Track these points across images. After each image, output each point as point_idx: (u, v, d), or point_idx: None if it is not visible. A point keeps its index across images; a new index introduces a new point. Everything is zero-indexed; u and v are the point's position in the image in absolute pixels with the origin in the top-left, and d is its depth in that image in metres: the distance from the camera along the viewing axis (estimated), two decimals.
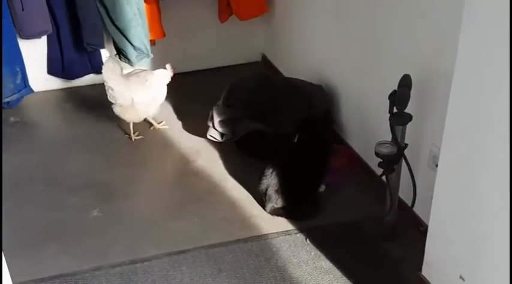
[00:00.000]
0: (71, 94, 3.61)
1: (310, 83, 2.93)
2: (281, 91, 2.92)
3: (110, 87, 2.88)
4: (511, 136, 1.36)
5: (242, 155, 2.82)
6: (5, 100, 3.34)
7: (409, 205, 2.13)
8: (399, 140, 1.97)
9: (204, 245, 2.23)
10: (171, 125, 3.16)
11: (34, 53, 3.48)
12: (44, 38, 3.47)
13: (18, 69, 3.31)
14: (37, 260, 2.19)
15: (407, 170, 2.03)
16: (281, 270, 2.11)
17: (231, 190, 2.58)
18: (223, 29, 3.70)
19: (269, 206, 2.40)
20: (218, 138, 2.83)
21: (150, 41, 3.43)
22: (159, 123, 3.11)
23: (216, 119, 2.80)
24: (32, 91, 3.43)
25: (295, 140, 2.45)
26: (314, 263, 2.14)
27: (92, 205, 2.50)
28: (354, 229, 2.30)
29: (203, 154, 2.88)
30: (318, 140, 2.47)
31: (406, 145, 2.02)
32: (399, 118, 1.94)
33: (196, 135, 3.01)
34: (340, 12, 2.72)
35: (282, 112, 2.84)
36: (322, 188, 2.52)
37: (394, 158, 1.99)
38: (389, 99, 1.92)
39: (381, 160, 2.02)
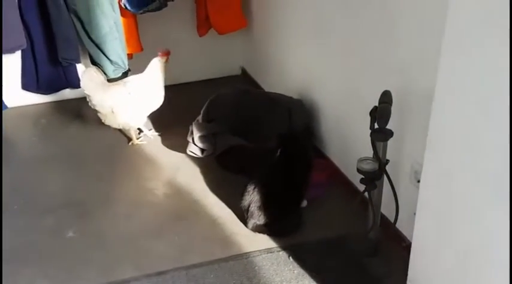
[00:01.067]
0: (46, 109, 3.54)
1: (290, 97, 2.91)
2: (261, 106, 2.89)
3: (87, 94, 2.94)
4: (498, 152, 1.35)
5: (223, 171, 2.78)
6: None
7: (392, 221, 2.10)
8: (380, 156, 1.95)
9: (184, 266, 2.18)
10: (149, 140, 3.10)
11: (7, 67, 3.40)
12: (18, 53, 3.39)
13: None
14: None
15: (389, 186, 2.01)
16: None
17: (212, 208, 2.53)
18: (202, 42, 3.67)
19: (251, 223, 2.36)
20: (198, 153, 2.79)
21: (128, 54, 3.39)
22: (149, 130, 3.15)
23: (196, 134, 2.76)
24: (6, 107, 3.35)
25: (278, 154, 2.41)
26: (297, 282, 2.10)
27: (67, 225, 2.43)
28: (337, 245, 2.27)
29: (183, 170, 2.82)
30: (299, 155, 2.44)
31: (388, 161, 2.01)
32: (380, 134, 1.92)
33: (176, 151, 2.96)
34: (319, 26, 2.71)
35: (263, 127, 2.81)
36: (304, 203, 2.49)
37: (375, 174, 1.96)
38: (370, 115, 1.90)
39: (363, 177, 2.00)
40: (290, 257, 2.22)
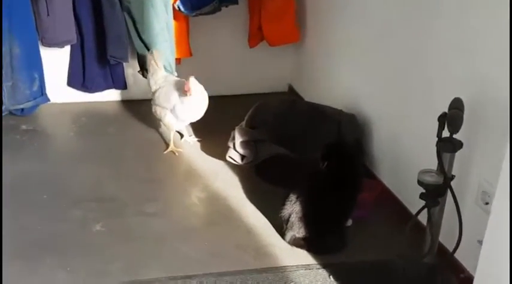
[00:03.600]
0: (88, 108, 3.47)
1: (340, 110, 2.74)
2: (309, 117, 2.73)
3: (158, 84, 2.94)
4: None
5: (261, 181, 2.61)
6: (19, 107, 3.20)
7: (448, 246, 1.87)
8: (446, 169, 1.74)
9: (213, 272, 2.00)
10: (187, 147, 2.97)
11: (55, 62, 3.37)
12: (67, 48, 3.36)
13: (36, 76, 3.19)
14: (33, 272, 1.98)
15: (450, 206, 1.80)
16: None
17: (248, 217, 2.36)
18: (252, 55, 3.56)
19: (289, 235, 2.16)
20: (238, 160, 2.63)
21: (176, 59, 3.31)
22: (190, 136, 3.06)
23: (238, 140, 2.61)
24: (48, 100, 3.30)
25: (324, 166, 2.23)
26: None
27: (96, 219, 2.30)
28: (384, 269, 2.04)
29: (220, 176, 2.67)
30: (349, 169, 2.25)
31: (453, 176, 1.79)
32: (448, 144, 1.72)
33: (215, 158, 2.81)
34: (379, 39, 2.56)
35: (309, 139, 2.64)
36: (349, 222, 2.28)
37: (439, 189, 1.75)
38: (438, 120, 1.71)
39: (423, 191, 1.79)
40: (331, 277, 2.01)
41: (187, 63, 3.43)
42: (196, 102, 2.81)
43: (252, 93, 3.68)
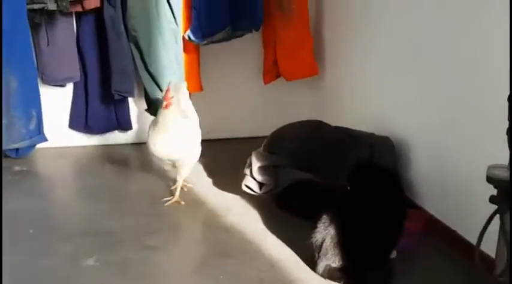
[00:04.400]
0: (90, 151, 3.17)
1: (372, 133, 2.42)
2: (336, 141, 2.41)
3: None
4: None
5: (283, 213, 2.24)
6: (13, 146, 2.91)
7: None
8: None
9: None
10: (198, 183, 2.62)
11: (56, 102, 3.13)
12: (69, 88, 3.13)
13: (33, 113, 2.92)
14: None
15: None
16: None
17: (269, 249, 1.98)
18: (267, 91, 3.31)
19: (323, 265, 1.77)
20: (256, 188, 2.27)
21: None
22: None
23: (255, 165, 2.27)
24: (46, 140, 3.01)
25: (350, 188, 1.87)
26: None
27: (88, 253, 1.92)
28: None
29: (235, 210, 2.31)
30: (389, 190, 1.88)
31: None
32: None
33: (228, 192, 2.46)
34: (407, 61, 2.30)
35: (337, 165, 2.29)
36: (394, 254, 1.89)
37: None
38: (508, 101, 1.39)
39: (493, 195, 1.43)
40: None
41: (196, 99, 3.16)
42: (168, 124, 2.25)
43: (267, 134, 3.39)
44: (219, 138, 3.29)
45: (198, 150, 2.43)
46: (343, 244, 1.75)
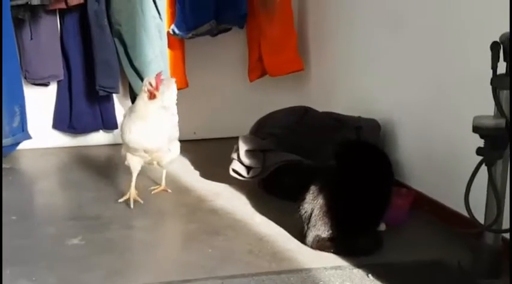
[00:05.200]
0: (74, 152, 3.11)
1: (359, 116, 2.42)
2: (323, 126, 2.41)
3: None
4: None
5: (272, 197, 2.22)
6: None
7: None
8: (506, 112, 1.40)
9: (220, 276, 1.56)
10: (185, 175, 2.58)
11: (39, 103, 3.09)
12: (53, 88, 3.10)
13: (16, 110, 2.86)
14: None
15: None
16: None
17: (259, 226, 1.95)
18: (253, 89, 3.31)
19: (312, 235, 1.74)
20: (243, 172, 2.25)
21: None
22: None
23: (242, 149, 2.26)
24: (30, 137, 2.95)
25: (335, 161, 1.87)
26: None
27: (73, 234, 1.87)
28: (439, 267, 1.62)
29: (223, 195, 2.28)
30: (376, 162, 1.89)
31: None
32: (505, 79, 1.39)
33: (216, 181, 2.43)
34: (401, 43, 2.33)
35: (325, 148, 2.28)
36: (383, 227, 1.87)
37: (501, 137, 1.39)
38: (491, 50, 1.40)
39: (480, 146, 1.43)
40: (369, 275, 1.57)
41: (182, 98, 3.15)
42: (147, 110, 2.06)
43: None
44: (206, 138, 3.28)
45: (177, 145, 2.26)
46: (333, 213, 1.74)
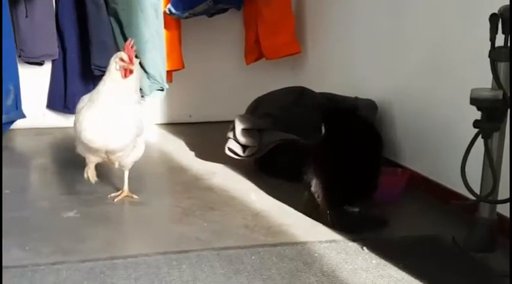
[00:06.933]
0: (69, 132, 3.07)
1: (356, 97, 2.42)
2: (321, 106, 2.40)
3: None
4: None
5: (268, 176, 2.22)
6: None
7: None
8: (504, 84, 1.40)
9: (215, 247, 1.56)
10: (181, 155, 2.57)
11: (34, 83, 3.07)
12: (47, 67, 3.08)
13: (11, 88, 2.85)
14: None
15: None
16: (329, 276, 1.41)
17: (255, 202, 1.95)
18: (250, 72, 3.30)
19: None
20: (239, 151, 2.25)
21: (167, 75, 3.03)
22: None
23: (239, 127, 2.25)
24: (24, 116, 2.94)
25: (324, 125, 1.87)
26: (378, 271, 1.44)
27: (68, 207, 1.87)
28: (433, 241, 1.63)
29: (219, 173, 2.28)
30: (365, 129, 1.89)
31: None
32: (504, 51, 1.39)
33: (212, 161, 2.43)
34: (398, 23, 2.32)
35: (320, 129, 2.28)
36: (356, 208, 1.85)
37: (498, 108, 1.40)
38: (490, 21, 1.40)
39: (477, 119, 1.44)
40: (364, 248, 1.58)
41: (178, 79, 3.16)
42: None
43: None
44: (201, 121, 3.28)
45: (143, 140, 1.92)
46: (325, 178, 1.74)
